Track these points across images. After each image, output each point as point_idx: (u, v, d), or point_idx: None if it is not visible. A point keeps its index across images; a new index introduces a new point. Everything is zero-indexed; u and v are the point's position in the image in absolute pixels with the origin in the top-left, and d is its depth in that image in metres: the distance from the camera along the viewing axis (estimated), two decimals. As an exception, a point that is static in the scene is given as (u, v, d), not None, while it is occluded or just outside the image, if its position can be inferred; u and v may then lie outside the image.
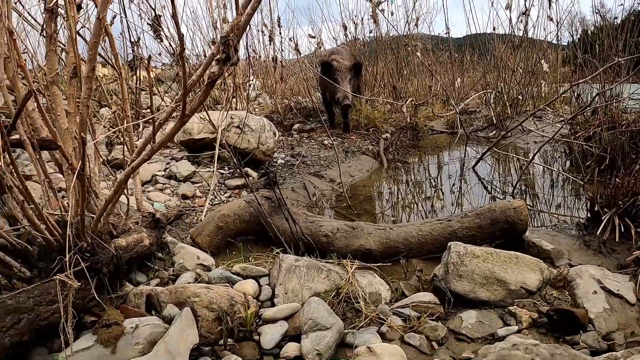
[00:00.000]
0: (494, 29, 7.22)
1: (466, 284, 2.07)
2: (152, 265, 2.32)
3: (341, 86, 5.41)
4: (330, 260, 2.37)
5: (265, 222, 2.78)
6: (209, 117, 4.15)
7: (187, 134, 4.34)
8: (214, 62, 1.47)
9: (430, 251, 2.65)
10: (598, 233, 2.79)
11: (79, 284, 1.63)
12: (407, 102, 6.25)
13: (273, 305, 2.04)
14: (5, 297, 1.61)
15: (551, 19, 6.66)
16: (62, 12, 1.90)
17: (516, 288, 2.07)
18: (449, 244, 2.28)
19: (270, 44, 6.54)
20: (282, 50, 7.02)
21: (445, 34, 7.24)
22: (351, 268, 2.22)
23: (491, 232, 2.67)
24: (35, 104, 1.75)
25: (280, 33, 6.48)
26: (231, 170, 4.11)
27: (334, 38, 8.27)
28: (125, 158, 2.49)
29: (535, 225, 3.27)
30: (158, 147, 1.71)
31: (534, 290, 2.09)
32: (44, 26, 1.87)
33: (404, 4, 8.74)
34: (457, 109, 5.59)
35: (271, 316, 1.92)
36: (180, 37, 1.52)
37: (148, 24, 5.40)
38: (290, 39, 8.44)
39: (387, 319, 1.96)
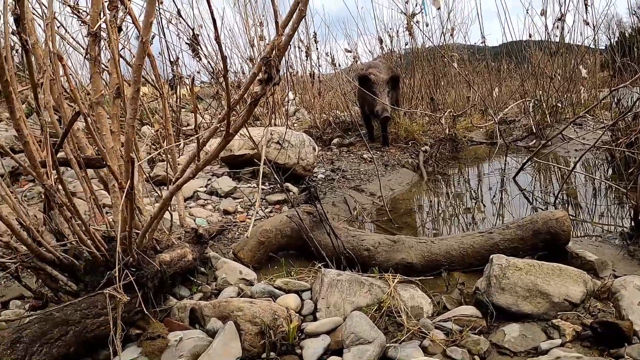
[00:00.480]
0: (530, 36, 7.09)
1: (508, 296, 2.03)
2: (195, 280, 2.36)
3: (379, 99, 5.38)
4: (371, 275, 2.36)
5: (307, 236, 2.79)
6: (250, 134, 4.19)
7: (227, 150, 4.41)
8: (255, 81, 1.49)
9: (472, 264, 2.61)
10: (644, 242, 2.69)
11: (128, 297, 1.66)
12: (446, 114, 6.17)
13: (315, 319, 2.05)
14: (53, 310, 1.67)
15: (587, 23, 6.49)
16: (104, 34, 1.95)
17: (559, 300, 2.01)
18: (491, 256, 2.24)
19: (307, 59, 6.61)
20: (319, 65, 7.08)
21: (481, 43, 7.14)
22: (393, 281, 2.20)
23: (533, 244, 2.61)
24: (84, 123, 1.81)
25: (316, 48, 6.54)
26: (272, 186, 4.14)
27: (369, 51, 8.27)
28: (169, 175, 2.54)
29: (578, 235, 3.18)
30: (203, 165, 1.75)
31: (577, 303, 2.03)
32: (88, 49, 1.93)
33: (439, 15, 8.62)
34: (495, 119, 5.49)
35: (313, 330, 1.92)
36: (224, 58, 1.54)
37: (186, 43, 5.56)
38: (326, 53, 8.50)
39: (429, 332, 1.93)
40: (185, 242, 2.36)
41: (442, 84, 7.27)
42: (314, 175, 4.67)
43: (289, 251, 2.89)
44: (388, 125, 5.94)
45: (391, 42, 7.10)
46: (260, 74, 1.48)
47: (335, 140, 6.04)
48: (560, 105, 5.92)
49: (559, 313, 2.00)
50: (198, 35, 5.00)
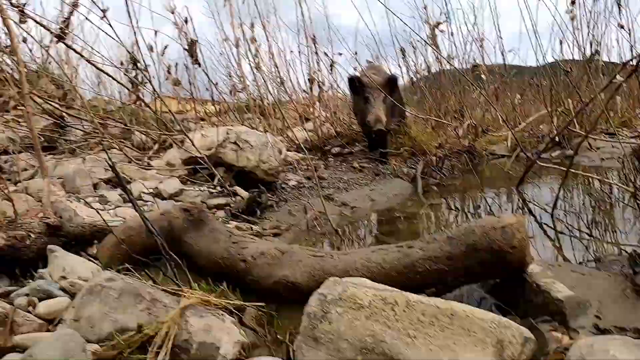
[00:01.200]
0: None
1: (325, 357, 1.11)
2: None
3: (373, 106, 4.36)
4: (165, 287, 1.54)
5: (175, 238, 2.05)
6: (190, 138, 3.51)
7: (188, 151, 3.74)
8: None
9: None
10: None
11: None
12: (464, 125, 5.18)
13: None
14: None
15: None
16: None
17: None
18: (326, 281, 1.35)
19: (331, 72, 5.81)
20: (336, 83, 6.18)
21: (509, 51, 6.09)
22: (188, 299, 1.37)
23: (467, 267, 1.69)
24: None
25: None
26: (222, 189, 3.41)
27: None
28: None
29: (572, 260, 2.18)
30: None
31: None
32: None
33: (466, 22, 7.51)
34: (510, 128, 4.45)
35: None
36: None
37: (184, 49, 5.01)
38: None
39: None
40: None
41: (472, 97, 6.22)
42: (285, 182, 3.88)
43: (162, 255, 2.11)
44: (388, 138, 4.84)
45: (414, 52, 6.17)
46: None
47: (335, 149, 5.21)
48: (590, 113, 4.70)
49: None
50: (196, 41, 4.45)
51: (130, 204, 2.95)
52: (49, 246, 2.00)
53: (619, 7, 4.92)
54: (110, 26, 3.08)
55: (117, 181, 2.17)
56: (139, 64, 3.02)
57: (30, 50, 4.70)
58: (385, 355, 1.06)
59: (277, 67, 5.42)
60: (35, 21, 2.98)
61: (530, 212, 3.13)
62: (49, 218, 2.20)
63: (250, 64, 4.91)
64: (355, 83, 4.58)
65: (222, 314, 1.47)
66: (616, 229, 2.64)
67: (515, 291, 1.77)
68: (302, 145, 3.91)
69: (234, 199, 3.30)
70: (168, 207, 2.20)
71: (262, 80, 5.36)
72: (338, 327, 1.12)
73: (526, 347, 1.18)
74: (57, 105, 4.08)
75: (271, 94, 5.67)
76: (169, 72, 4.99)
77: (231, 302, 1.52)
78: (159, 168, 3.87)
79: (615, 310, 1.64)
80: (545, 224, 2.74)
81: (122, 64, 3.10)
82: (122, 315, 1.34)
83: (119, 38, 2.82)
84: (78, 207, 2.89)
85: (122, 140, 4.36)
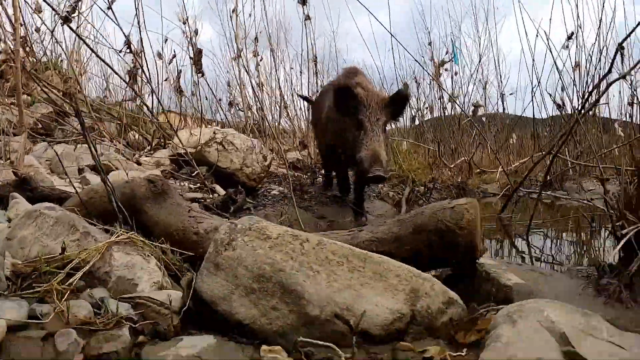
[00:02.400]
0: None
1: (222, 283, 1.06)
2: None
3: (369, 137, 2.99)
4: (109, 227, 1.52)
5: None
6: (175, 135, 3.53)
7: (174, 147, 3.74)
8: None
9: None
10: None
11: None
12: (458, 162, 5.16)
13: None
14: None
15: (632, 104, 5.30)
16: None
17: (325, 317, 1.00)
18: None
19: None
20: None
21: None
22: (117, 237, 1.34)
23: (415, 248, 1.63)
24: None
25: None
26: (201, 186, 3.38)
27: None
28: None
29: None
30: None
31: (376, 333, 1.00)
32: None
33: (469, 62, 7.59)
34: (503, 167, 4.41)
35: None
36: None
37: (190, 58, 5.10)
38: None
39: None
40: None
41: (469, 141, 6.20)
42: (268, 190, 3.85)
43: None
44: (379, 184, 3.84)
45: (418, 88, 6.22)
46: None
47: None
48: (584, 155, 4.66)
49: (309, 346, 0.98)
50: (201, 50, 4.55)
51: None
52: (12, 193, 2.01)
53: (622, 57, 4.94)
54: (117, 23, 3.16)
55: (92, 154, 2.14)
56: (132, 47, 3.06)
57: (42, 41, 4.80)
58: (281, 285, 1.01)
59: (280, 89, 5.48)
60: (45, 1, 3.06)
61: (509, 236, 3.08)
62: (18, 170, 2.21)
63: (250, 77, 4.93)
64: (345, 95, 3.10)
65: (148, 256, 1.42)
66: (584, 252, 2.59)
67: (468, 282, 1.71)
68: (287, 160, 3.89)
69: (211, 195, 3.27)
70: (133, 177, 2.18)
71: (264, 101, 5.39)
72: (240, 254, 1.08)
73: (450, 309, 1.11)
74: (58, 95, 4.14)
75: (272, 116, 5.70)
76: (177, 80, 5.06)
77: (155, 244, 1.47)
78: (146, 163, 3.87)
79: (570, 303, 1.57)
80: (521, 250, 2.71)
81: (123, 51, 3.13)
82: (53, 242, 1.32)
83: (117, 23, 2.85)
84: (55, 180, 2.90)
85: (117, 138, 4.40)
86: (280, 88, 5.59)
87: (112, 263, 1.31)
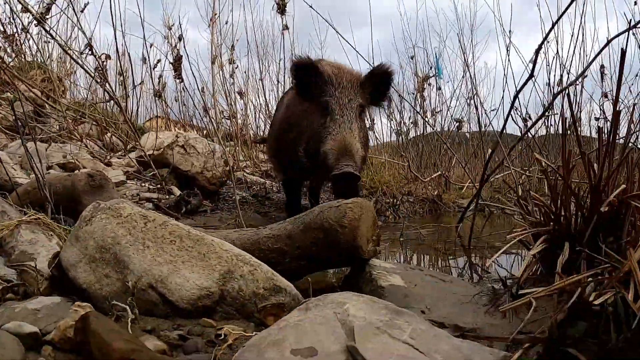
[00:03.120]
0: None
1: (76, 253, 1.17)
2: None
3: (338, 124, 2.42)
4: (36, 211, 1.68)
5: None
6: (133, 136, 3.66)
7: (140, 149, 3.87)
8: None
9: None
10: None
11: None
12: (434, 175, 5.23)
13: None
14: None
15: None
16: None
17: (141, 286, 1.13)
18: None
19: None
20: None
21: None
22: (27, 217, 1.48)
23: (304, 246, 1.70)
24: None
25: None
26: (159, 187, 3.50)
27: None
28: None
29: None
30: None
31: (182, 306, 1.10)
32: None
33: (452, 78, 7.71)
34: (473, 181, 4.47)
35: None
36: None
37: (170, 63, 5.26)
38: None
39: None
40: None
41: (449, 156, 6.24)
42: (230, 195, 3.95)
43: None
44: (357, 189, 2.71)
45: (401, 103, 6.28)
46: None
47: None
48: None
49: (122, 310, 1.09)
50: (181, 56, 4.69)
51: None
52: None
53: (602, 76, 5.00)
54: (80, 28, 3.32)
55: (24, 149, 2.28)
56: (94, 50, 3.20)
57: (28, 40, 4.97)
58: (114, 256, 1.12)
59: (265, 97, 5.60)
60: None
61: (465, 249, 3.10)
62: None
63: (225, 84, 5.06)
64: (307, 73, 2.55)
65: (51, 235, 1.53)
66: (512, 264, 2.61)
67: (354, 282, 1.78)
68: (260, 168, 3.99)
69: (167, 196, 3.38)
70: (76, 172, 2.36)
71: (247, 109, 5.52)
72: (94, 229, 1.18)
73: (276, 296, 1.19)
74: (38, 94, 4.31)
75: (256, 124, 5.83)
76: (160, 85, 5.22)
77: (61, 226, 1.59)
78: (117, 164, 4.00)
79: (448, 309, 1.64)
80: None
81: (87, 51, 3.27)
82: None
83: (80, 25, 3.01)
84: (21, 174, 3.05)
85: (90, 138, 4.55)
86: (265, 96, 5.73)
87: (18, 239, 1.44)
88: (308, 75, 2.55)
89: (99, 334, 0.83)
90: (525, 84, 2.60)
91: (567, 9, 2.40)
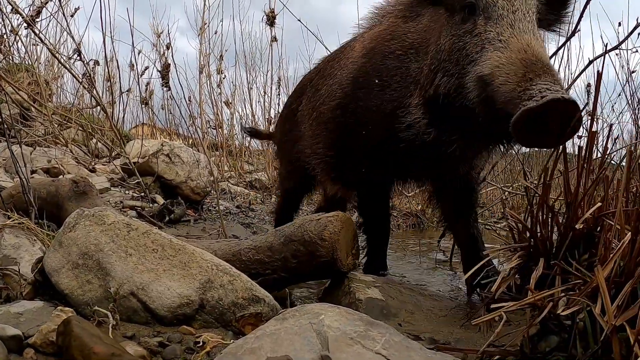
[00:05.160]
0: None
1: (59, 258, 1.21)
2: None
3: (504, 28, 1.38)
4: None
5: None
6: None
7: (125, 157, 3.89)
8: None
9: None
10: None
11: None
12: (417, 190, 5.29)
13: None
14: None
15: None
16: None
17: (123, 293, 1.16)
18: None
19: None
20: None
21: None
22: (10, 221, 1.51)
23: (284, 258, 1.75)
24: None
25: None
26: (143, 195, 3.53)
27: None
28: None
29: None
30: None
31: (162, 314, 1.15)
32: None
33: None
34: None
35: None
36: None
37: (158, 71, 5.30)
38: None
39: None
40: None
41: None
42: (214, 205, 3.98)
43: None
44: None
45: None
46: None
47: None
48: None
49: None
50: (169, 64, 4.72)
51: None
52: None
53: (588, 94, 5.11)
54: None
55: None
56: (83, 55, 3.24)
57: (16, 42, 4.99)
58: (97, 263, 1.16)
59: (251, 108, 5.66)
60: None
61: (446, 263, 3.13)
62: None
63: (212, 94, 5.12)
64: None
65: (35, 240, 1.57)
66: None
67: (333, 294, 1.82)
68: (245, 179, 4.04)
69: (151, 205, 3.40)
70: (60, 178, 2.40)
71: (234, 119, 5.58)
72: (77, 235, 1.21)
73: (255, 306, 1.23)
74: (25, 97, 4.32)
75: (242, 135, 5.87)
76: (146, 92, 5.26)
77: (44, 231, 1.62)
78: (101, 170, 4.02)
79: (424, 323, 1.70)
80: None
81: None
82: None
83: (69, 29, 3.04)
84: (2, 176, 3.07)
85: (78, 144, 4.56)
86: (252, 107, 5.79)
87: (2, 243, 1.48)
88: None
89: (80, 337, 0.87)
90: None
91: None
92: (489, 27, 1.40)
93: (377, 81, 1.81)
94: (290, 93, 2.95)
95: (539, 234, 1.74)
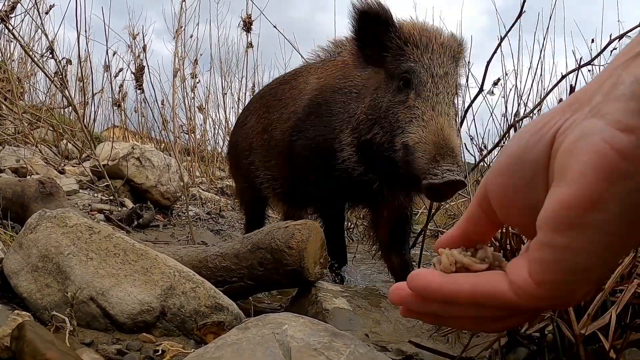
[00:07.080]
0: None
1: (19, 260, 1.17)
2: None
3: (428, 108, 1.67)
4: None
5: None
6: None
7: (95, 159, 3.81)
8: None
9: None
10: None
11: None
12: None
13: None
14: None
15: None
16: None
17: (82, 298, 1.12)
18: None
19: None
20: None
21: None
22: None
23: (251, 266, 1.73)
24: None
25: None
26: (111, 198, 3.46)
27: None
28: None
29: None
30: None
31: (122, 320, 1.11)
32: None
33: None
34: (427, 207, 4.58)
35: None
36: None
37: (132, 73, 5.24)
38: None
39: None
40: None
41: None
42: (183, 211, 3.93)
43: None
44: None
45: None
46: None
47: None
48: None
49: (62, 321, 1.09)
50: (144, 67, 4.67)
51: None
52: None
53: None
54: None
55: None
56: (55, 53, 3.17)
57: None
58: (56, 265, 1.12)
59: (225, 114, 5.62)
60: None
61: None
62: None
63: (185, 98, 5.07)
64: (374, 24, 1.78)
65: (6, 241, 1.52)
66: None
67: (300, 304, 1.81)
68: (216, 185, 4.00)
69: (120, 209, 3.34)
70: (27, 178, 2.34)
71: (207, 124, 5.53)
72: (37, 237, 1.18)
73: (218, 315, 1.20)
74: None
75: (215, 140, 5.83)
76: (119, 95, 5.17)
77: (7, 232, 1.58)
78: (71, 172, 3.93)
79: (392, 333, 1.68)
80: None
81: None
82: None
83: (43, 27, 2.98)
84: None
85: (48, 144, 4.45)
86: (226, 113, 5.75)
87: None
88: (375, 27, 1.77)
89: (33, 343, 0.84)
90: (475, 97, 2.67)
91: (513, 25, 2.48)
92: (417, 103, 1.68)
93: (325, 111, 2.03)
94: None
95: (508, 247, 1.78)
